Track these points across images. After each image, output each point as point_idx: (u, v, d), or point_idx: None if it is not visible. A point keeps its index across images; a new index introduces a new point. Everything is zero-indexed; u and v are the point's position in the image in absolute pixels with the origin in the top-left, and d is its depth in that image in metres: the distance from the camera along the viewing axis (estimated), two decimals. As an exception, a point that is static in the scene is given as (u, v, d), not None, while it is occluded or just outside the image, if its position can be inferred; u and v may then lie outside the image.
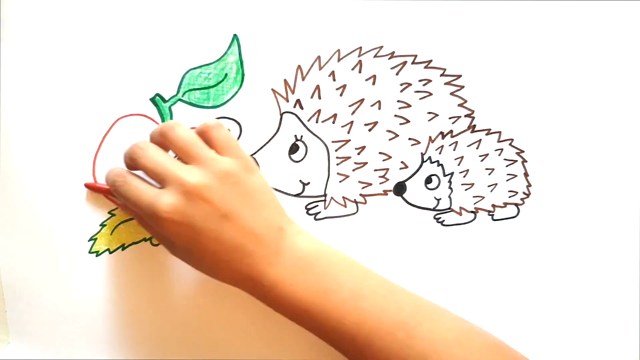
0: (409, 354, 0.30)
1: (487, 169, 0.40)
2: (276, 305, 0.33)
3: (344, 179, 0.40)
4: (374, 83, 0.38)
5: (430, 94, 0.39)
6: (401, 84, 0.38)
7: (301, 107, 0.39)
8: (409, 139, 0.39)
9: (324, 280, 0.32)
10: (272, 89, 0.38)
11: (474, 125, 0.39)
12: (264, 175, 0.36)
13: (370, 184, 0.40)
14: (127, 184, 0.33)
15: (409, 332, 0.31)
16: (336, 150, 0.39)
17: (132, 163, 0.33)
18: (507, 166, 0.40)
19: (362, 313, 0.31)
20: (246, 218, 0.31)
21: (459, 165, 0.40)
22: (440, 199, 0.40)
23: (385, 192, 0.40)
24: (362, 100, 0.39)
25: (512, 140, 0.40)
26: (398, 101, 0.39)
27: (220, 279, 0.33)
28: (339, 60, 0.38)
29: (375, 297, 0.32)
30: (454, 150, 0.40)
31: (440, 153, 0.40)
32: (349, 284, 0.32)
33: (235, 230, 0.31)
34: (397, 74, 0.38)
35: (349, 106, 0.39)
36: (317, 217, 0.40)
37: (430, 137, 0.39)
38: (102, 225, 0.40)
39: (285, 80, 0.38)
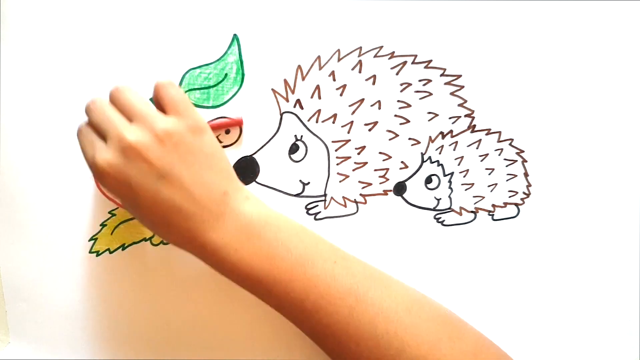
0: (357, 319, 0.30)
1: (487, 169, 0.40)
2: (223, 270, 0.32)
3: (344, 179, 0.40)
4: (374, 83, 0.38)
5: (430, 94, 0.39)
6: (401, 84, 0.38)
7: (301, 107, 0.39)
8: (409, 139, 0.39)
9: (272, 246, 0.31)
10: (272, 89, 0.38)
11: (474, 125, 0.39)
12: (264, 173, 0.36)
13: (370, 184, 0.40)
14: (81, 135, 0.32)
15: (359, 297, 0.30)
16: (336, 150, 0.39)
17: (86, 116, 0.33)
18: (507, 166, 0.40)
19: (311, 278, 0.31)
20: (185, 180, 0.30)
21: (459, 165, 0.40)
22: (440, 199, 0.40)
23: (385, 192, 0.40)
24: (362, 100, 0.39)
25: (512, 140, 0.40)
26: (398, 101, 0.39)
27: (167, 240, 0.33)
28: (339, 60, 0.38)
29: (325, 264, 0.31)
30: (454, 150, 0.40)
31: (440, 153, 0.40)
32: (298, 250, 0.31)
33: (173, 192, 0.30)
34: (397, 74, 0.38)
35: (349, 106, 0.39)
36: (317, 217, 0.40)
37: (430, 137, 0.39)
38: (102, 225, 0.40)
39: (285, 80, 0.38)
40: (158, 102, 0.33)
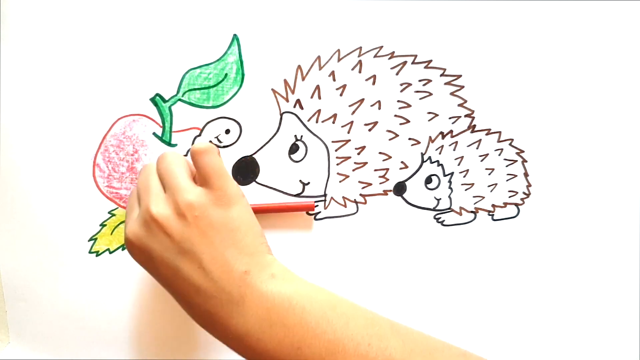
0: None
1: (487, 169, 0.40)
2: (248, 356, 0.29)
3: (344, 179, 0.40)
4: (374, 83, 0.38)
5: (430, 94, 0.39)
6: (401, 84, 0.38)
7: (301, 107, 0.39)
8: (409, 139, 0.39)
9: (297, 334, 0.28)
10: (272, 89, 0.38)
11: (474, 125, 0.39)
12: (264, 173, 0.36)
13: (370, 184, 0.40)
14: (129, 198, 0.33)
15: None
16: (336, 150, 0.39)
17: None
18: (507, 166, 0.40)
19: None
20: (205, 257, 0.29)
21: (459, 165, 0.40)
22: (440, 199, 0.40)
23: (385, 192, 0.40)
24: (362, 100, 0.39)
25: (512, 140, 0.40)
26: (398, 101, 0.39)
27: (194, 319, 0.31)
28: (339, 60, 0.38)
29: (358, 348, 0.28)
30: (454, 150, 0.40)
31: (440, 153, 0.40)
32: (326, 335, 0.28)
33: (192, 270, 0.29)
34: (397, 74, 0.38)
35: (349, 106, 0.39)
36: (317, 217, 0.40)
37: (430, 137, 0.39)
38: (102, 225, 0.40)
39: (285, 80, 0.38)
40: (195, 167, 0.32)
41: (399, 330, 0.30)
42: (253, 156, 0.39)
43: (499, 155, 0.40)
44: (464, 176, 0.40)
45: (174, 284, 0.29)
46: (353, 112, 0.39)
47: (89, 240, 0.40)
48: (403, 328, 0.30)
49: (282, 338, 0.28)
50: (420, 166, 0.40)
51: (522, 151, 0.40)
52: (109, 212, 0.40)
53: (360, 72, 0.38)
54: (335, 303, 0.29)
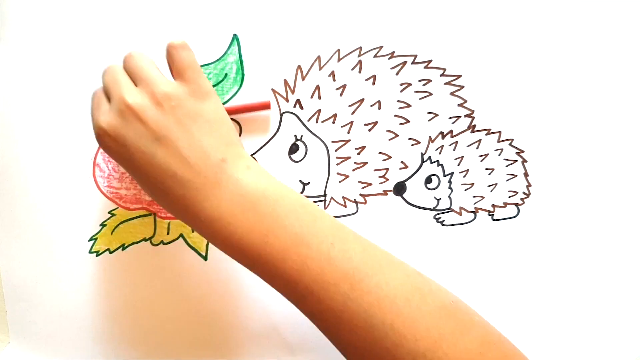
0: (351, 307, 0.28)
1: (487, 169, 0.40)
2: (216, 242, 0.31)
3: (344, 179, 0.40)
4: (374, 83, 0.38)
5: (430, 94, 0.39)
6: (401, 84, 0.38)
7: (301, 107, 0.39)
8: (409, 139, 0.39)
9: (267, 222, 0.29)
10: (272, 89, 0.38)
11: (474, 125, 0.39)
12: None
13: (370, 184, 0.40)
14: (93, 98, 0.32)
15: (354, 284, 0.28)
16: (336, 150, 0.39)
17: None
18: (507, 166, 0.40)
19: (305, 260, 0.29)
20: (182, 144, 0.29)
21: (459, 165, 0.40)
22: (440, 199, 0.40)
23: (385, 192, 0.40)
24: (362, 100, 0.39)
25: (512, 140, 0.40)
26: (398, 101, 0.39)
27: (164, 208, 0.32)
28: (339, 60, 0.38)
29: (320, 245, 0.29)
30: (454, 150, 0.40)
31: (440, 153, 0.40)
32: (293, 229, 0.29)
33: (168, 156, 0.29)
34: (397, 74, 0.38)
35: (349, 106, 0.39)
36: (317, 217, 0.40)
37: (430, 137, 0.39)
38: (102, 225, 0.40)
39: (285, 80, 0.38)
40: (169, 62, 0.32)
41: (360, 238, 0.31)
42: (253, 156, 0.39)
43: (499, 155, 0.40)
44: (464, 176, 0.40)
45: (148, 170, 0.30)
46: (353, 112, 0.39)
47: (89, 240, 0.40)
48: (365, 239, 0.31)
49: (251, 225, 0.29)
50: (420, 166, 0.40)
51: (522, 151, 0.40)
52: (109, 212, 0.40)
53: (360, 72, 0.38)
54: (305, 203, 0.31)
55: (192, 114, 0.30)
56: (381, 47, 0.38)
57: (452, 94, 0.39)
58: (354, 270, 0.29)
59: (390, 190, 0.40)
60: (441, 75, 0.38)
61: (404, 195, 0.40)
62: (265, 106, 0.38)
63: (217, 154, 0.30)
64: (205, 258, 0.41)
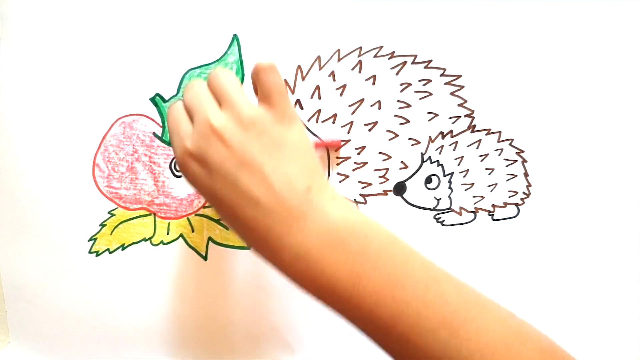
0: (451, 356, 0.26)
1: (487, 169, 0.40)
2: (302, 281, 0.28)
3: (344, 179, 0.40)
4: (374, 83, 0.38)
5: (430, 94, 0.39)
6: (401, 84, 0.38)
7: (301, 107, 0.39)
8: (409, 139, 0.39)
9: (358, 262, 0.27)
10: (272, 89, 0.38)
11: (474, 125, 0.39)
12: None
13: (370, 184, 0.40)
14: (171, 113, 0.30)
15: (452, 331, 0.26)
16: (336, 150, 0.39)
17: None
18: (507, 166, 0.40)
19: (400, 305, 0.26)
20: (267, 170, 0.28)
21: (459, 165, 0.40)
22: (440, 199, 0.40)
23: (385, 192, 0.40)
24: (362, 100, 0.39)
25: (512, 140, 0.40)
26: (398, 101, 0.39)
27: (244, 240, 0.29)
28: (339, 60, 0.38)
29: (416, 287, 0.27)
30: (454, 150, 0.40)
31: (440, 153, 0.40)
32: (386, 269, 0.27)
33: (252, 182, 0.27)
34: (397, 74, 0.38)
35: (349, 106, 0.39)
36: (317, 217, 0.40)
37: (430, 137, 0.39)
38: (102, 225, 0.40)
39: (285, 80, 0.38)
40: (254, 85, 0.31)
41: (451, 277, 0.29)
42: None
43: (499, 155, 0.40)
44: (464, 176, 0.40)
45: (230, 197, 0.28)
46: (353, 112, 0.39)
47: (89, 240, 0.40)
48: (455, 278, 0.29)
49: (342, 263, 0.27)
50: (420, 166, 0.40)
51: (522, 151, 0.40)
52: (109, 212, 0.40)
53: (360, 72, 0.38)
54: (394, 239, 0.29)
55: (278, 141, 0.29)
56: (381, 47, 0.38)
57: (452, 94, 0.39)
58: (452, 315, 0.27)
59: (390, 190, 0.40)
60: (441, 75, 0.38)
61: (404, 195, 0.40)
62: (336, 145, 0.39)
63: (303, 182, 0.28)
64: (205, 258, 0.41)
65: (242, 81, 0.38)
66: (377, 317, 0.27)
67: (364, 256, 0.27)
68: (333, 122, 0.39)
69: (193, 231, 0.40)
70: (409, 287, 0.27)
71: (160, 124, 0.39)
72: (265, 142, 0.28)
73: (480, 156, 0.40)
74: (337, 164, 0.40)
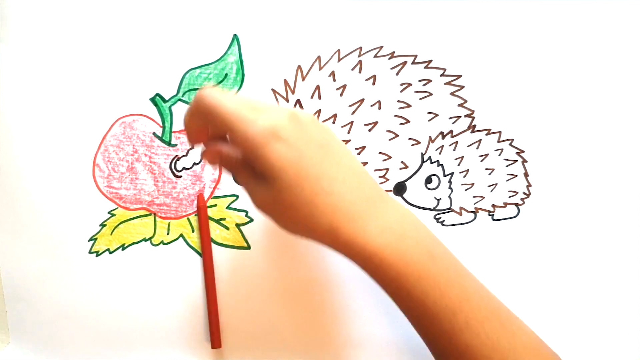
0: (496, 347, 0.29)
1: (487, 169, 0.40)
2: (382, 254, 0.28)
3: (344, 179, 0.40)
4: (374, 83, 0.38)
5: (430, 94, 0.39)
6: (401, 84, 0.38)
7: (301, 107, 0.39)
8: (409, 139, 0.39)
9: (430, 243, 0.29)
10: (272, 89, 0.38)
11: (474, 125, 0.39)
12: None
13: (370, 184, 0.40)
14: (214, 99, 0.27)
15: (502, 321, 0.30)
16: (336, 150, 0.39)
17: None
18: (507, 166, 0.40)
19: (464, 290, 0.29)
20: (342, 154, 0.29)
21: (459, 165, 0.40)
22: (440, 199, 0.40)
23: (385, 192, 0.40)
24: (362, 100, 0.39)
25: (512, 140, 0.40)
26: (398, 101, 0.39)
27: (320, 219, 0.27)
28: (339, 60, 0.38)
29: (471, 279, 0.30)
30: (454, 150, 0.40)
31: (440, 153, 0.40)
32: (450, 257, 0.30)
33: (332, 164, 0.28)
34: (397, 74, 0.38)
35: (349, 106, 0.39)
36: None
37: (430, 137, 0.39)
38: (102, 225, 0.40)
39: (285, 80, 0.38)
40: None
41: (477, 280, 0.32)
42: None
43: (499, 155, 0.40)
44: (464, 176, 0.40)
45: (315, 178, 0.27)
46: (353, 112, 0.39)
47: (89, 240, 0.40)
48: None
49: (419, 241, 0.29)
50: (420, 166, 0.40)
51: (522, 151, 0.40)
52: (109, 212, 0.40)
53: (360, 72, 0.38)
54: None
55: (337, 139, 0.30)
56: (381, 47, 0.38)
57: (452, 94, 0.39)
58: (501, 307, 0.31)
59: (390, 190, 0.40)
60: (441, 75, 0.38)
61: (404, 195, 0.40)
62: None
63: (370, 179, 0.30)
64: (205, 258, 0.41)
65: (242, 82, 0.38)
66: (447, 298, 0.29)
67: (432, 238, 0.30)
68: (333, 122, 0.39)
69: (193, 231, 0.40)
70: (466, 276, 0.30)
71: (161, 124, 0.39)
72: (329, 136, 0.30)
73: (480, 156, 0.40)
74: (337, 164, 0.40)
